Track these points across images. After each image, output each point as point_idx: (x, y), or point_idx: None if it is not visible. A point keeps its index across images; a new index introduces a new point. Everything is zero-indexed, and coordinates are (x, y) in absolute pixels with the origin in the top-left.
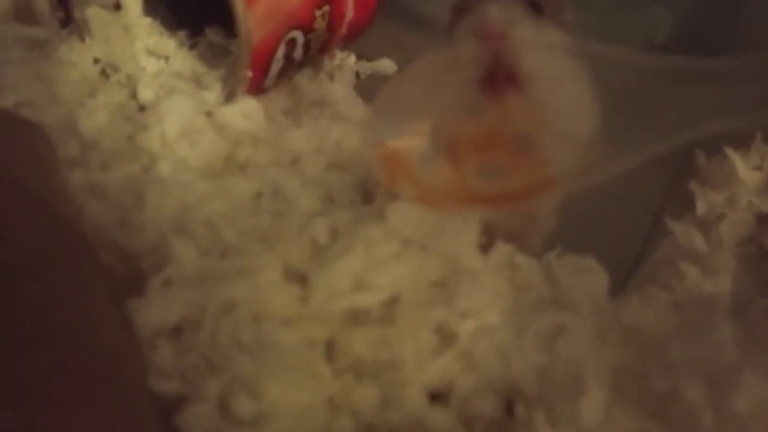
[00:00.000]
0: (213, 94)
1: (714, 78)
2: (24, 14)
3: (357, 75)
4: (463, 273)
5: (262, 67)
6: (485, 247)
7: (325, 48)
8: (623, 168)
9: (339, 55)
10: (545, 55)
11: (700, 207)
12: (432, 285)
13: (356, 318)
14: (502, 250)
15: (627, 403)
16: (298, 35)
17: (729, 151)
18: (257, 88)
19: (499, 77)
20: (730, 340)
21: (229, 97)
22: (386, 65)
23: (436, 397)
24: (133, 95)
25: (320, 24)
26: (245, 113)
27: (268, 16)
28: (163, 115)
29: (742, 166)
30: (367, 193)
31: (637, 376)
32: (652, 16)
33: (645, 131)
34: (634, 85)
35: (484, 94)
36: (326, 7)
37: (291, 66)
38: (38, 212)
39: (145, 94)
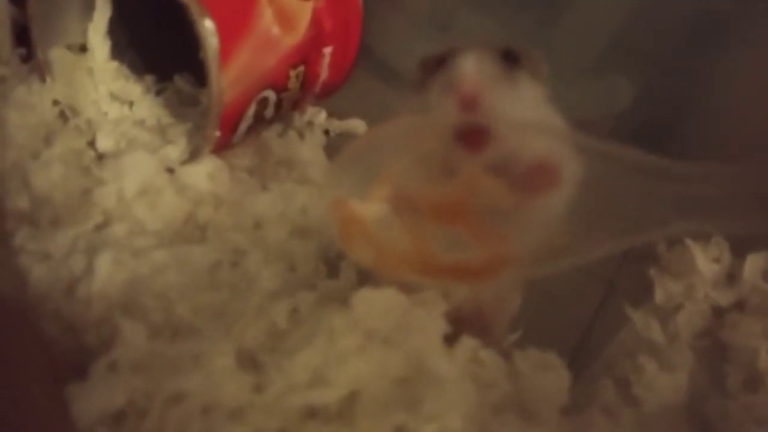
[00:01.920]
0: (177, 149)
1: (681, 177)
2: None
3: (326, 132)
4: (428, 374)
5: (230, 126)
6: (450, 338)
7: (297, 106)
8: (588, 258)
9: (310, 110)
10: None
11: (659, 295)
12: (394, 382)
13: (312, 413)
14: (467, 344)
15: None
16: (271, 95)
17: (689, 242)
18: (223, 146)
19: (473, 134)
20: None
21: (194, 154)
22: (357, 125)
23: None
24: (92, 143)
25: (294, 84)
26: (209, 174)
27: (241, 76)
28: (122, 170)
29: (702, 258)
30: (331, 263)
31: None
32: (614, 86)
33: (614, 222)
34: (606, 174)
35: (458, 151)
36: (301, 68)
37: (260, 123)
38: None
39: (105, 143)
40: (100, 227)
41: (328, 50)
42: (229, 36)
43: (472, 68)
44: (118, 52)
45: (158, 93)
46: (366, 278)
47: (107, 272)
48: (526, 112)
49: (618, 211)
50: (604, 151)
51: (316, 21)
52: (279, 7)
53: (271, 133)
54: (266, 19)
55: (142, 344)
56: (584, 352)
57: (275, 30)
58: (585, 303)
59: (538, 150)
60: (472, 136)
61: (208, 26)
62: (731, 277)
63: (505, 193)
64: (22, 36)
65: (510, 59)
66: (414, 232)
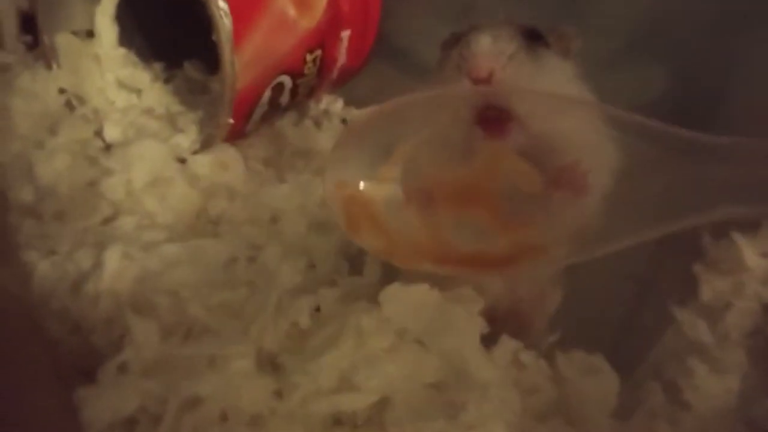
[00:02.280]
0: (187, 138)
1: (728, 157)
2: None
3: (343, 121)
4: (466, 379)
5: (244, 113)
6: (487, 339)
7: (313, 93)
8: (624, 244)
9: (326, 98)
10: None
11: (705, 293)
12: (429, 387)
13: (339, 420)
14: (507, 346)
15: None
16: (286, 80)
17: (736, 236)
18: (237, 135)
19: (491, 117)
20: None
21: (206, 143)
22: None
23: None
24: (99, 132)
25: (310, 69)
26: (222, 163)
27: (256, 59)
28: (130, 159)
29: (750, 253)
30: (353, 259)
31: None
32: (645, 74)
33: (654, 207)
34: (648, 154)
35: (475, 137)
36: (318, 52)
37: (275, 111)
38: None
39: (112, 133)
40: (107, 220)
41: (346, 34)
42: (243, 17)
43: (485, 45)
44: (126, 38)
45: (167, 80)
46: (392, 274)
47: (116, 268)
48: (551, 90)
49: (658, 194)
50: (641, 126)
51: (333, 2)
52: None
53: (285, 122)
54: None
55: (153, 345)
56: (625, 354)
57: (291, 11)
58: (621, 301)
59: (569, 140)
60: (493, 121)
61: (221, 6)
62: None
63: (533, 175)
64: (28, 24)
65: (533, 37)
66: (428, 218)
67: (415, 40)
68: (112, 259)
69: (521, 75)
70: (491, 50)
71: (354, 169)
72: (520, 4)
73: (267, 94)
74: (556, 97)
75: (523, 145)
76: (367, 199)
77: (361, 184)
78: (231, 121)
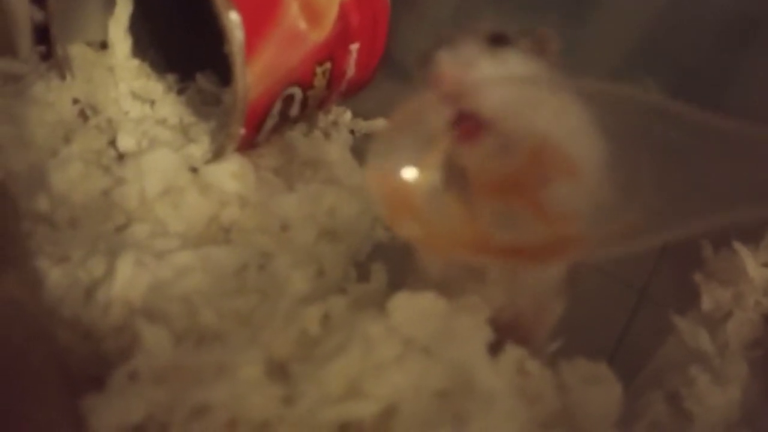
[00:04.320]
0: (200, 148)
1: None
2: (3, 46)
3: (351, 132)
4: (473, 388)
5: (256, 123)
6: (494, 347)
7: (322, 104)
8: (657, 242)
9: (335, 110)
10: (524, 89)
11: (706, 302)
12: (436, 395)
13: (346, 428)
14: (513, 354)
15: None
16: (297, 92)
17: (738, 246)
18: (248, 145)
19: (463, 125)
20: None
21: (218, 153)
22: (382, 125)
23: None
24: (112, 142)
25: (320, 81)
26: (234, 173)
27: (267, 72)
28: (143, 169)
29: (752, 263)
30: (362, 267)
31: None
32: (639, 87)
33: (690, 201)
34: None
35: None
36: (328, 64)
37: (286, 122)
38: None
39: (126, 142)
40: (120, 228)
41: (355, 47)
42: (255, 29)
43: (445, 60)
44: (139, 49)
45: (180, 92)
46: (399, 281)
47: (128, 275)
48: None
49: (697, 185)
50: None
51: (343, 16)
52: (306, 1)
53: (295, 133)
54: (292, 12)
55: (164, 352)
56: (626, 362)
57: (302, 24)
58: (619, 309)
59: (546, 130)
60: (464, 128)
61: (233, 18)
62: None
63: (572, 167)
64: (42, 34)
65: (498, 42)
66: (467, 207)
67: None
68: (125, 266)
69: (487, 79)
70: (452, 63)
71: (395, 159)
72: (517, 24)
73: (278, 105)
74: (526, 89)
75: (499, 145)
76: (408, 187)
77: (402, 173)
78: (243, 131)
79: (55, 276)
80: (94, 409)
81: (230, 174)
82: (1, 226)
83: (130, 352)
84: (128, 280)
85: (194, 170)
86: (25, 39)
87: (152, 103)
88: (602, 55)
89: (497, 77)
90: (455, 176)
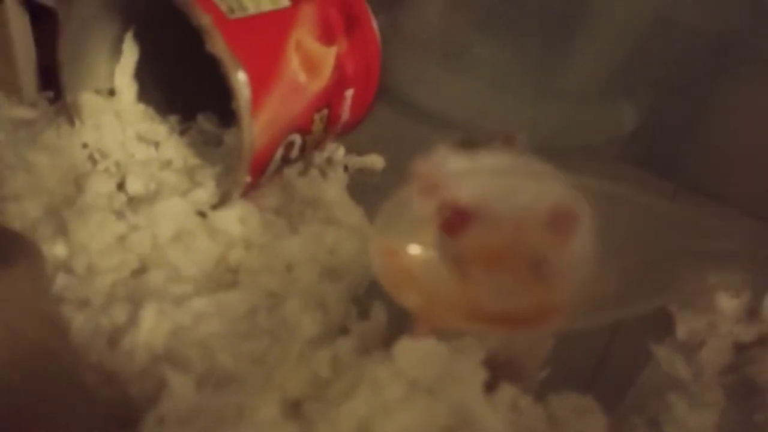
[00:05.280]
0: (206, 191)
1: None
2: (9, 90)
3: (345, 168)
4: (473, 425)
5: (260, 170)
6: (490, 385)
7: (318, 146)
8: (633, 311)
9: (329, 147)
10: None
11: (681, 331)
12: None
13: None
14: (507, 392)
15: None
16: (297, 138)
17: (709, 276)
18: (252, 189)
19: (448, 222)
20: None
21: (224, 199)
22: (375, 161)
23: None
24: (121, 185)
25: (318, 127)
26: (241, 218)
27: (271, 123)
28: (155, 215)
29: (721, 294)
30: (361, 302)
31: None
32: (619, 110)
33: (656, 278)
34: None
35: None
36: (325, 111)
37: (286, 165)
38: (37, 357)
39: (135, 186)
40: (136, 273)
41: (349, 92)
42: (261, 85)
43: (421, 163)
44: (143, 92)
45: (182, 133)
46: (397, 319)
47: (152, 323)
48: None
49: (656, 265)
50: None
51: (339, 66)
52: (305, 54)
53: (293, 171)
54: (293, 66)
55: (188, 396)
56: (606, 390)
57: (302, 77)
58: (600, 337)
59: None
60: (447, 219)
61: (241, 78)
62: (751, 313)
63: (552, 239)
64: (48, 78)
65: (469, 145)
66: (461, 279)
67: (413, 87)
68: (148, 315)
69: (460, 172)
70: (426, 163)
71: (396, 236)
72: (503, 48)
73: (280, 151)
74: (501, 176)
75: (484, 226)
76: (408, 262)
77: (402, 247)
78: (248, 179)
79: (78, 322)
80: None
81: (237, 218)
82: (42, 285)
83: (154, 395)
84: (151, 327)
85: (202, 214)
86: (31, 84)
87: (157, 144)
88: (584, 79)
89: (470, 169)
90: (449, 250)
